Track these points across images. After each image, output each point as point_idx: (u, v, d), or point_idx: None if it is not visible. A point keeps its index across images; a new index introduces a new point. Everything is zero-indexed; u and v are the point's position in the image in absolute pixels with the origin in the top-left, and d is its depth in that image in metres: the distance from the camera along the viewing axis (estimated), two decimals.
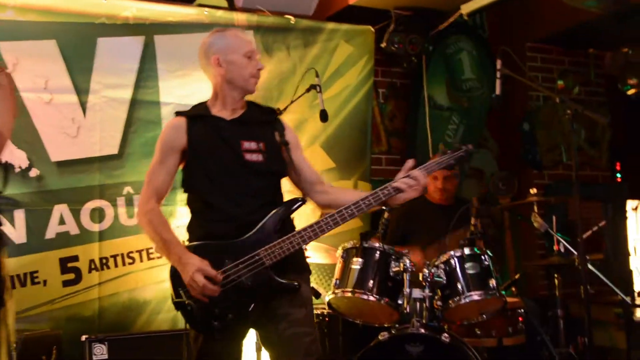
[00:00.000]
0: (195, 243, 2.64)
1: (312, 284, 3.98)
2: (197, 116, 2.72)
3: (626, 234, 6.27)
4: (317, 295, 4.11)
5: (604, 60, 5.99)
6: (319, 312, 4.01)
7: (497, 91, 3.68)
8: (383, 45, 4.81)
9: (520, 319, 3.86)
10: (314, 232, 2.62)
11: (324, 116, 4.03)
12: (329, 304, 3.57)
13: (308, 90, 4.01)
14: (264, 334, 2.69)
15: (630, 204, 6.43)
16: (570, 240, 4.22)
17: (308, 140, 4.56)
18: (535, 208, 3.89)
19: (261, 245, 2.58)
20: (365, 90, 4.77)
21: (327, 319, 3.91)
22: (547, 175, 5.80)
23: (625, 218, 6.25)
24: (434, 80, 5.22)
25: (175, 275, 2.59)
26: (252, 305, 2.58)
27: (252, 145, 2.69)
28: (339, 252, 3.57)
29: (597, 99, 6.07)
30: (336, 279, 3.53)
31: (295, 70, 4.50)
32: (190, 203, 2.76)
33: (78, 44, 3.89)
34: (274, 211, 2.64)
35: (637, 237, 6.47)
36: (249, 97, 2.81)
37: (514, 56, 3.53)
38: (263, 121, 2.78)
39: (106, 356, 3.51)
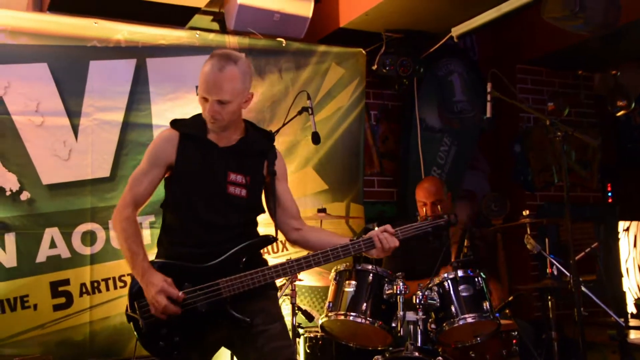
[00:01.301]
0: (160, 260, 2.65)
1: (305, 307, 4.00)
2: (191, 135, 2.69)
3: (618, 255, 6.28)
4: (310, 318, 4.11)
5: (594, 81, 6.04)
6: (312, 335, 3.99)
7: (488, 114, 3.70)
8: (374, 67, 4.83)
9: (514, 341, 3.83)
10: (277, 272, 2.62)
11: (316, 138, 4.04)
12: (322, 327, 3.54)
13: (300, 112, 4.02)
14: (242, 354, 2.68)
15: (622, 224, 6.45)
16: (563, 262, 4.22)
17: (300, 163, 4.57)
18: (528, 229, 3.89)
19: (223, 275, 2.58)
20: (357, 112, 4.79)
21: (320, 342, 3.88)
22: (538, 197, 5.80)
23: (617, 239, 6.27)
24: (425, 102, 5.24)
25: (134, 288, 2.61)
26: (204, 333, 2.58)
27: (238, 178, 2.68)
28: (332, 274, 3.55)
29: (588, 120, 6.10)
30: (329, 302, 3.51)
31: (287, 92, 4.52)
32: (164, 218, 2.75)
33: (70, 67, 3.90)
34: (243, 245, 2.64)
35: (629, 258, 6.49)
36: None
37: (503, 79, 3.55)
38: (256, 151, 2.76)
39: None
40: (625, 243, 6.48)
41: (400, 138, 5.22)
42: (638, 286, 6.46)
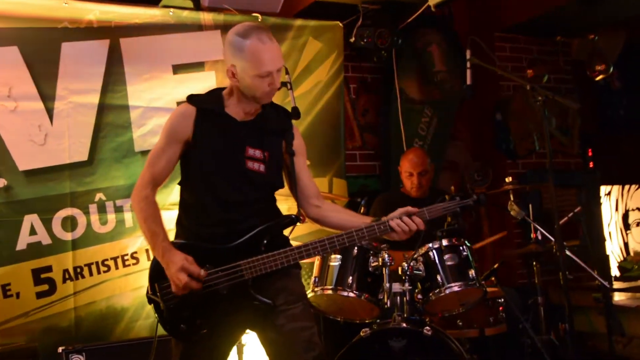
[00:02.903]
0: (180, 241, 2.60)
1: None
2: (208, 110, 2.62)
3: (601, 219, 6.33)
4: None
5: (572, 47, 6.03)
6: None
7: (468, 81, 3.67)
8: (352, 40, 4.78)
9: (500, 308, 3.86)
10: (301, 254, 2.57)
11: (296, 113, 3.95)
12: (310, 302, 3.54)
13: (279, 88, 3.96)
14: (262, 333, 2.63)
15: (603, 189, 6.50)
16: (546, 228, 4.24)
17: None
18: (512, 196, 3.89)
19: (245, 256, 2.53)
20: (336, 86, 4.74)
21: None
22: (521, 164, 5.81)
23: (599, 204, 6.31)
24: (404, 74, 5.20)
25: (155, 269, 2.56)
26: (226, 315, 2.54)
27: (257, 153, 2.62)
28: None
29: (567, 86, 6.10)
30: (315, 277, 3.51)
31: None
32: (182, 197, 2.69)
33: (41, 49, 3.80)
34: (265, 225, 2.58)
35: (611, 222, 6.55)
36: None
37: (483, 45, 3.53)
38: (275, 129, 2.71)
39: None
40: (607, 207, 6.54)
41: (381, 111, 5.18)
42: (620, 249, 6.53)
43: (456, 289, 3.35)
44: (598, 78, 5.59)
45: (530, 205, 4.15)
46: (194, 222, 2.64)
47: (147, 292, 2.62)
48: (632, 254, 4.49)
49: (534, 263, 4.03)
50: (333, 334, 3.94)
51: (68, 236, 3.83)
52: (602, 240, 6.30)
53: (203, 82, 4.22)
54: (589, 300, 4.74)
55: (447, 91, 5.44)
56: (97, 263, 3.89)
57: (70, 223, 3.83)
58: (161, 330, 2.61)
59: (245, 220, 2.59)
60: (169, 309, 2.54)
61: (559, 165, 6.01)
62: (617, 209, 6.61)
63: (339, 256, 3.46)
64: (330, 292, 3.42)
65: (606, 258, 6.18)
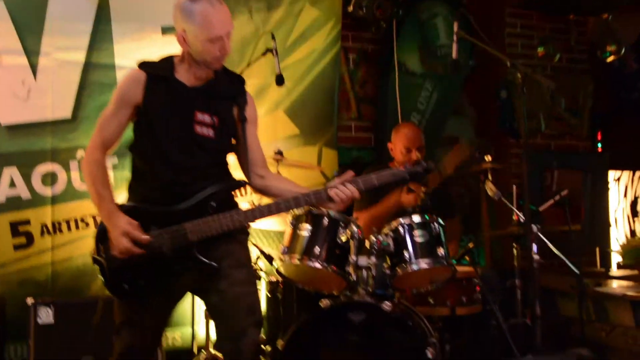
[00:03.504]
0: (127, 204, 2.61)
1: (267, 250, 3.96)
2: (158, 76, 2.62)
3: (607, 204, 6.17)
4: (271, 260, 4.08)
5: (588, 26, 5.84)
6: (274, 279, 3.98)
7: (454, 55, 3.59)
8: (350, 9, 4.68)
9: (477, 288, 3.79)
10: (246, 217, 2.58)
11: (279, 80, 3.96)
12: (277, 270, 3.53)
13: (264, 54, 3.94)
14: (205, 296, 2.66)
15: (612, 174, 6.33)
16: (536, 210, 4.15)
17: (271, 106, 4.49)
18: (490, 176, 3.79)
19: (190, 218, 2.53)
20: (332, 55, 4.68)
21: (281, 285, 3.86)
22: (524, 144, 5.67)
23: (606, 189, 6.15)
24: (406, 46, 5.09)
25: (101, 231, 2.58)
26: (170, 277, 2.55)
27: (206, 118, 2.62)
28: (289, 218, 3.51)
29: (581, 67, 5.92)
30: (284, 246, 3.47)
31: (257, 34, 4.41)
32: (133, 162, 2.70)
33: (27, 4, 3.81)
34: (211, 187, 2.58)
35: (618, 208, 6.39)
36: None
37: (471, 19, 3.41)
38: (226, 94, 2.69)
39: (52, 320, 3.48)
40: (615, 193, 6.37)
41: (379, 83, 5.09)
42: (626, 236, 6.37)
43: (424, 265, 3.29)
44: (609, 59, 5.40)
45: (514, 186, 4.04)
46: (143, 186, 2.65)
47: (92, 253, 2.64)
48: (623, 242, 4.37)
49: (514, 245, 3.94)
50: (306, 303, 3.92)
51: (48, 191, 3.88)
52: (607, 226, 6.15)
53: None
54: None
55: (450, 66, 5.31)
56: (76, 219, 3.93)
57: (50, 178, 3.88)
58: None
59: (194, 183, 2.59)
60: (111, 270, 2.56)
61: (566, 147, 5.87)
62: (625, 195, 6.43)
63: (309, 226, 3.43)
64: (297, 261, 3.38)
65: (610, 245, 6.04)
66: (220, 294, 2.57)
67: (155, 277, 2.55)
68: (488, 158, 3.82)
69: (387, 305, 3.12)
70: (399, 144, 4.24)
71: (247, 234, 2.77)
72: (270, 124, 4.48)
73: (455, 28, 3.53)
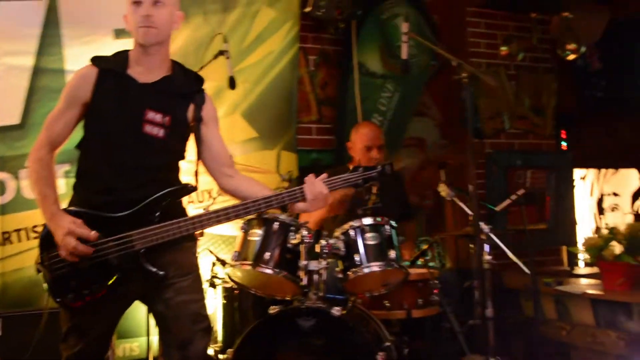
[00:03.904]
0: (71, 209, 2.53)
1: (224, 256, 3.90)
2: (110, 71, 2.55)
3: (573, 203, 6.18)
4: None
5: (551, 25, 5.84)
6: (229, 285, 3.92)
7: (404, 55, 3.55)
8: (308, 9, 4.63)
9: (436, 290, 3.76)
10: (194, 225, 2.51)
11: (232, 83, 3.92)
12: (229, 277, 3.48)
13: (216, 56, 3.89)
14: (151, 305, 2.62)
15: (578, 173, 6.34)
16: (492, 211, 4.14)
17: (228, 109, 4.43)
18: (442, 176, 3.76)
19: (137, 226, 2.46)
20: (290, 56, 4.62)
21: (236, 291, 3.81)
22: (488, 144, 5.67)
23: (572, 187, 6.16)
24: (366, 47, 5.06)
25: (45, 237, 2.51)
26: (115, 286, 2.49)
27: (157, 117, 2.53)
28: (240, 223, 3.46)
29: (544, 65, 5.92)
30: (236, 251, 3.43)
31: (213, 36, 4.33)
32: (79, 162, 2.62)
33: None
34: (158, 194, 2.51)
35: (584, 207, 6.40)
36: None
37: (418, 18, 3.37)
38: (181, 92, 2.62)
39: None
40: (581, 191, 6.38)
41: (339, 84, 5.05)
42: (593, 234, 6.38)
43: (375, 269, 3.26)
44: (569, 57, 5.40)
45: (470, 186, 3.98)
46: (87, 189, 2.58)
47: (36, 261, 2.57)
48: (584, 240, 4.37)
49: (471, 245, 3.91)
50: (262, 309, 3.87)
51: None
52: (573, 224, 6.16)
53: None
54: (540, 286, 4.62)
55: (413, 66, 5.27)
56: (26, 229, 3.85)
57: None
58: None
59: (139, 188, 2.52)
60: (56, 278, 2.49)
61: (530, 146, 5.87)
62: (591, 194, 6.45)
63: (259, 231, 3.38)
64: (249, 267, 3.34)
65: (576, 243, 6.05)
66: (165, 302, 2.53)
67: (100, 286, 2.48)
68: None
69: (336, 310, 3.08)
70: (358, 143, 4.23)
71: (194, 240, 2.71)
72: (227, 128, 4.40)
73: (405, 28, 3.51)
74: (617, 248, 4.16)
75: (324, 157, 4.97)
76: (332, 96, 5.08)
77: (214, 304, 4.11)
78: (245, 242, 3.41)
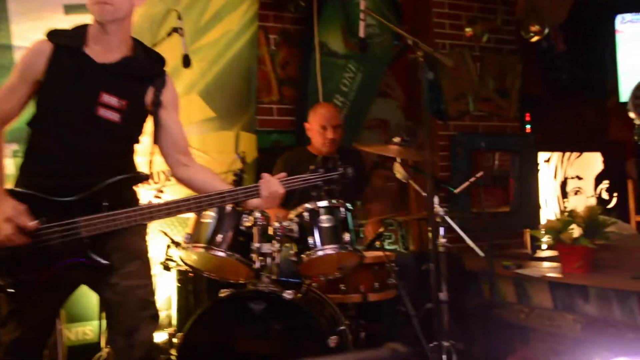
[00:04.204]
0: (16, 189, 2.42)
1: (179, 239, 3.80)
2: (65, 47, 2.43)
3: (537, 186, 6.18)
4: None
5: (516, 6, 5.79)
6: (183, 268, 3.83)
7: (361, 34, 3.48)
8: None
9: (392, 274, 3.72)
10: (143, 216, 2.42)
11: (186, 61, 3.81)
12: (182, 259, 3.40)
13: (169, 34, 3.77)
14: (98, 292, 2.53)
15: (543, 156, 6.34)
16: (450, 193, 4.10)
17: (184, 89, 4.30)
18: (398, 158, 3.71)
19: (85, 212, 2.37)
20: (249, 35, 4.50)
21: (190, 274, 3.73)
22: (452, 126, 5.63)
23: (535, 170, 6.15)
24: (327, 26, 4.96)
25: None
26: (58, 272, 2.40)
27: (113, 100, 2.43)
28: None
29: (509, 47, 5.88)
30: (188, 234, 3.36)
31: (168, 13, 4.20)
32: (29, 140, 2.50)
33: None
34: (109, 181, 2.42)
35: (548, 190, 6.41)
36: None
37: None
38: (140, 74, 2.51)
39: None
40: (545, 174, 6.39)
41: (300, 64, 4.95)
42: (556, 217, 6.39)
43: (329, 251, 3.21)
44: (533, 39, 5.37)
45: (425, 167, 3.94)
46: (35, 170, 2.46)
47: None
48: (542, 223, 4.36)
49: (429, 229, 3.87)
50: (217, 293, 3.80)
51: None
52: (537, 207, 6.16)
53: None
54: (500, 268, 4.62)
55: (375, 46, 5.22)
56: None
57: None
58: None
59: (89, 174, 2.42)
60: None
61: (494, 128, 5.83)
62: (555, 177, 6.46)
63: (212, 213, 3.31)
64: (201, 249, 3.27)
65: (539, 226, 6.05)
66: (111, 288, 2.45)
67: (41, 272, 2.39)
68: (396, 140, 3.72)
69: (288, 293, 3.02)
70: (314, 123, 4.18)
71: (145, 224, 2.62)
72: (184, 108, 4.14)
73: (362, 6, 3.42)
74: (576, 231, 4.15)
75: (284, 139, 4.89)
76: (293, 76, 4.99)
77: (169, 287, 4.04)
78: (198, 224, 3.34)
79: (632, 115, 4.40)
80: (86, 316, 4.02)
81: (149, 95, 2.52)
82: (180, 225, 4.33)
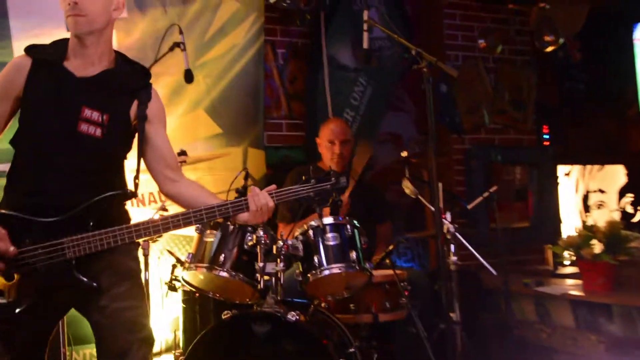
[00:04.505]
0: (1, 211, 2.32)
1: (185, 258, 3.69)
2: (44, 62, 2.35)
3: (557, 200, 5.99)
4: None
5: (530, 16, 5.65)
6: (189, 289, 3.72)
7: (365, 45, 3.38)
8: (272, 1, 4.44)
9: (406, 292, 3.57)
10: (130, 234, 2.31)
11: (188, 76, 3.73)
12: (185, 280, 3.29)
13: (171, 48, 3.69)
14: (86, 314, 2.41)
15: (563, 169, 6.16)
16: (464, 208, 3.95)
17: (190, 105, 4.24)
18: (407, 172, 3.56)
19: (70, 233, 2.27)
20: (255, 50, 4.42)
21: (197, 294, 3.61)
22: (467, 140, 5.48)
23: (556, 184, 5.98)
24: (337, 39, 4.87)
25: None
26: (46, 296, 2.29)
27: (95, 115, 2.33)
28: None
29: (523, 58, 5.74)
30: (190, 253, 3.24)
31: (168, 27, 4.13)
32: (13, 160, 2.42)
33: None
34: (93, 200, 2.31)
35: (569, 204, 6.22)
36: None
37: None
38: (123, 88, 2.42)
39: None
40: (566, 188, 6.20)
41: (307, 78, 4.85)
42: None
43: (335, 271, 3.07)
44: (548, 49, 5.22)
45: (440, 184, 3.78)
46: (18, 190, 2.37)
47: None
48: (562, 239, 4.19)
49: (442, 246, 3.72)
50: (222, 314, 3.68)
51: None
52: (558, 222, 5.98)
53: None
54: (520, 286, 4.45)
55: (385, 59, 5.11)
56: None
57: None
58: None
59: (73, 192, 2.32)
60: None
61: (511, 141, 5.68)
62: (577, 190, 6.27)
63: (215, 232, 3.20)
64: (204, 270, 3.16)
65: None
66: (100, 310, 2.33)
67: (29, 296, 2.28)
68: (404, 153, 3.59)
69: (292, 315, 2.89)
70: (324, 138, 4.10)
71: (136, 243, 2.51)
72: (190, 124, 4.22)
73: (365, 16, 3.32)
74: (597, 247, 3.98)
75: (294, 154, 4.78)
76: (301, 91, 4.88)
77: (175, 308, 3.93)
78: (200, 243, 3.24)
79: None
80: (93, 338, 3.90)
81: (133, 109, 2.42)
82: (188, 244, 4.23)
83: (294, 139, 4.84)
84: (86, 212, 2.30)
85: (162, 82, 4.07)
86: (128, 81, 2.44)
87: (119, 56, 2.46)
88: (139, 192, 2.62)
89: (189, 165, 4.06)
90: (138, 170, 2.45)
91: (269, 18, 4.62)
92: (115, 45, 3.95)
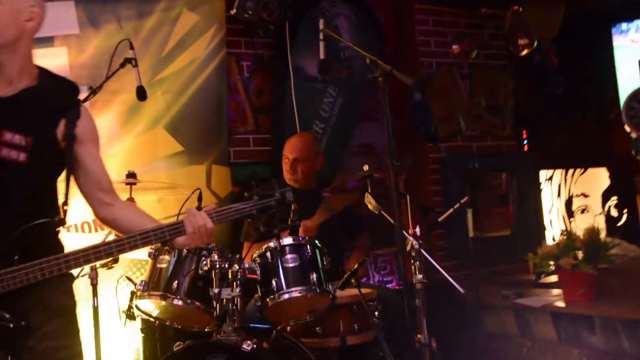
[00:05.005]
0: None
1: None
2: None
3: (540, 206, 5.84)
4: None
5: (504, 20, 5.51)
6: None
7: (322, 55, 3.23)
8: (233, 12, 4.29)
9: (377, 312, 3.39)
10: (59, 266, 2.12)
11: (141, 94, 3.56)
12: (138, 309, 3.12)
13: (122, 65, 3.53)
14: (16, 357, 2.22)
15: (545, 174, 6.01)
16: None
17: (149, 123, 4.07)
18: (369, 187, 3.39)
19: None
20: (217, 63, 4.27)
21: (157, 322, 3.43)
22: (443, 148, 5.33)
23: (538, 190, 5.83)
24: (304, 50, 4.69)
25: None
26: None
27: (16, 138, 2.13)
28: (149, 249, 3.10)
29: (499, 63, 5.59)
30: (143, 280, 3.08)
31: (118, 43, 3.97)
32: None
33: None
34: (19, 230, 2.12)
35: (552, 209, 6.07)
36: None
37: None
38: (48, 107, 2.22)
39: None
40: (548, 193, 6.05)
41: (273, 90, 4.69)
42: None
43: (295, 294, 2.91)
44: (522, 53, 5.08)
45: (408, 197, 3.62)
46: None
47: None
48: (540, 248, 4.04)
49: (412, 262, 3.55)
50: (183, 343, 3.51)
51: None
52: (542, 229, 5.82)
53: (53, 59, 3.75)
54: (500, 299, 4.29)
55: (356, 68, 4.96)
56: None
57: None
58: None
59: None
60: None
61: (489, 148, 5.53)
62: (559, 195, 6.11)
63: (168, 257, 3.03)
64: (157, 298, 2.99)
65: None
66: (29, 351, 2.14)
67: None
68: (366, 167, 3.43)
69: (247, 345, 2.71)
70: (284, 152, 3.95)
71: (67, 275, 2.32)
72: (149, 142, 4.06)
73: (321, 25, 3.17)
74: (578, 255, 3.82)
75: (260, 170, 4.60)
76: (268, 104, 4.72)
77: (135, 337, 3.74)
78: (154, 270, 3.08)
79: (627, 128, 4.09)
80: None
81: (61, 129, 2.23)
82: (144, 268, 4.05)
83: (261, 154, 4.67)
84: (7, 247, 2.12)
85: (119, 100, 3.92)
86: (53, 99, 2.24)
87: (43, 72, 2.26)
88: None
89: (148, 186, 3.90)
90: (67, 195, 2.27)
91: (231, 30, 4.46)
92: (66, 63, 3.88)
